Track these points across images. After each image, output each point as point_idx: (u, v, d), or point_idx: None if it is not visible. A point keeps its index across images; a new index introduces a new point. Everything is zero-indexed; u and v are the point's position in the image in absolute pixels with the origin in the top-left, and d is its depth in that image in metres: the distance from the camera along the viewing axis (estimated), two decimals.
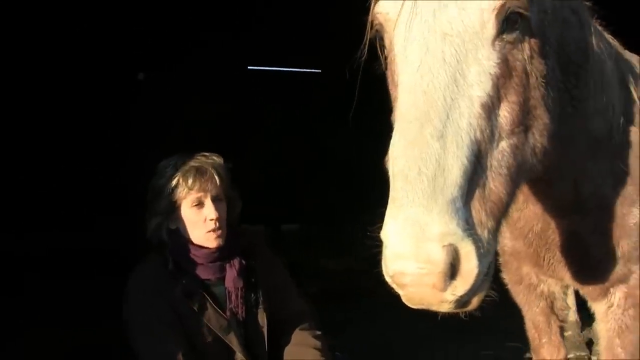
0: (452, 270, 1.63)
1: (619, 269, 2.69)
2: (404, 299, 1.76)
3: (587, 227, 2.65)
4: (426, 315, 1.88)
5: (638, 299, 2.72)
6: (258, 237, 3.57)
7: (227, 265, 3.22)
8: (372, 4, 2.02)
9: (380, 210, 1.74)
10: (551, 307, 3.20)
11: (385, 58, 2.08)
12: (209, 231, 3.16)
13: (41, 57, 9.34)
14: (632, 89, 2.73)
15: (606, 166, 2.61)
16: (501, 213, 1.81)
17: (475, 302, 1.74)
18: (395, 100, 1.93)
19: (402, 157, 1.71)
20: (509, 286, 3.23)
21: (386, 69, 2.10)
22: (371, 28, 2.06)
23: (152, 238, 3.27)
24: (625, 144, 2.64)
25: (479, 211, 1.72)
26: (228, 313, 3.19)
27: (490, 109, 1.80)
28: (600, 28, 2.64)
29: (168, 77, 10.10)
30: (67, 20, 8.87)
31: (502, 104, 1.84)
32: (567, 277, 2.83)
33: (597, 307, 2.87)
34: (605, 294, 2.79)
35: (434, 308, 1.75)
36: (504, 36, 1.86)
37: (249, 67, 11.54)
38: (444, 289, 1.64)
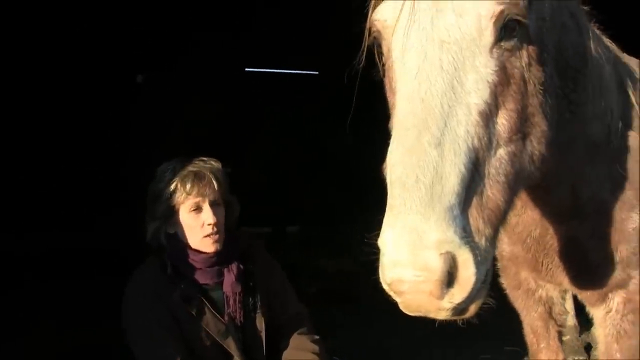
0: (450, 278, 1.63)
1: (617, 274, 2.68)
2: (401, 307, 1.76)
3: (585, 231, 2.64)
4: (424, 320, 1.88)
5: (637, 304, 2.71)
6: (256, 240, 3.57)
7: (225, 270, 3.22)
8: (370, 11, 2.01)
9: (378, 216, 1.73)
10: (549, 312, 3.18)
11: (383, 65, 2.07)
12: (207, 236, 3.16)
13: (41, 58, 9.34)
14: (630, 93, 2.71)
15: (604, 171, 2.60)
16: (499, 220, 1.80)
17: (472, 309, 1.74)
18: (393, 107, 1.92)
19: (399, 165, 1.71)
20: (508, 291, 3.22)
21: (384, 75, 2.09)
22: (369, 35, 2.04)
23: (151, 242, 3.27)
24: (624, 149, 2.63)
25: (476, 219, 1.72)
26: (226, 317, 3.19)
27: (488, 116, 1.80)
28: (598, 32, 2.63)
29: (168, 77, 10.10)
30: (67, 20, 8.86)
31: (499, 112, 1.84)
32: (566, 282, 2.82)
33: (596, 313, 2.86)
34: (603, 299, 2.78)
35: (432, 315, 1.74)
36: (502, 43, 1.85)
37: (246, 69, 11.53)
38: (441, 297, 1.64)
